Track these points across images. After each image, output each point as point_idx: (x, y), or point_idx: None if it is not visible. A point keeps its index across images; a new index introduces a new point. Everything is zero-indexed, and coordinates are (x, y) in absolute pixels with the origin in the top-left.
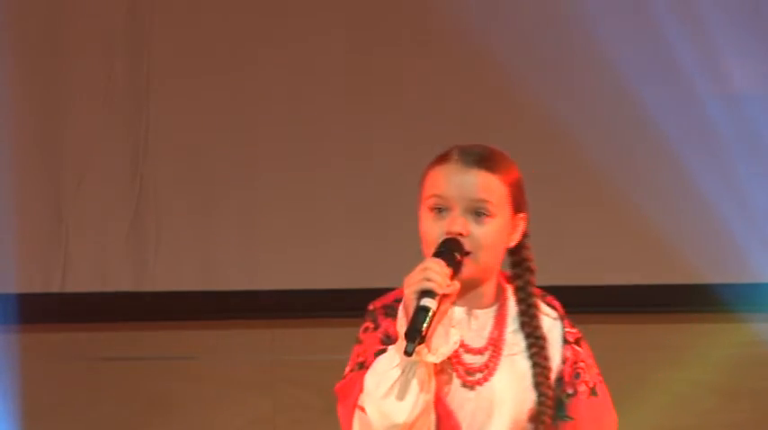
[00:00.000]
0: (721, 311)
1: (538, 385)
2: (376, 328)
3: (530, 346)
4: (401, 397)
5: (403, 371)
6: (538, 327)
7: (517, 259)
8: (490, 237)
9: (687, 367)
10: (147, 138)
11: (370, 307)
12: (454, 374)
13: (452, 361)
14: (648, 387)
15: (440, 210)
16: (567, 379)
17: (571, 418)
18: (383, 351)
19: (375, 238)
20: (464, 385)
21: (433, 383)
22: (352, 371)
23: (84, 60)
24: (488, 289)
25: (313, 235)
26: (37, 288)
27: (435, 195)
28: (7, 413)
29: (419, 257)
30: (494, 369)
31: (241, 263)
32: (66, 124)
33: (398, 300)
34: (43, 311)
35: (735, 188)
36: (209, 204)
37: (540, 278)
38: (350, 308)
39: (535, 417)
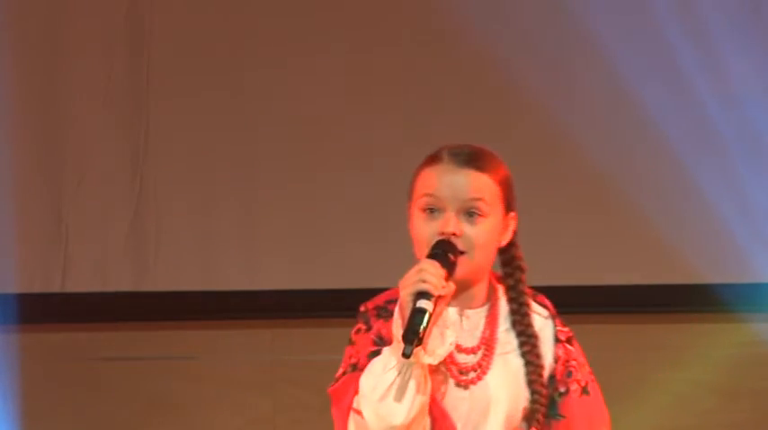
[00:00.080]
0: (721, 311)
1: (531, 383)
2: (368, 330)
3: (522, 344)
4: (398, 399)
5: (399, 373)
6: (529, 326)
7: (507, 258)
8: (483, 237)
9: (687, 367)
10: (147, 138)
11: (362, 308)
12: (448, 374)
13: (446, 361)
14: (648, 387)
15: (432, 210)
16: (559, 377)
17: (563, 417)
18: (376, 352)
19: (375, 238)
20: (458, 384)
21: (429, 385)
22: (345, 373)
23: (84, 60)
24: (480, 289)
25: (313, 235)
26: (37, 288)
27: (427, 195)
28: (7, 413)
29: (418, 258)
30: (487, 367)
31: (241, 263)
32: (66, 124)
33: (390, 301)
34: (43, 311)
35: (735, 188)
36: (209, 204)
37: (540, 278)
38: (350, 308)
39: (529, 416)
